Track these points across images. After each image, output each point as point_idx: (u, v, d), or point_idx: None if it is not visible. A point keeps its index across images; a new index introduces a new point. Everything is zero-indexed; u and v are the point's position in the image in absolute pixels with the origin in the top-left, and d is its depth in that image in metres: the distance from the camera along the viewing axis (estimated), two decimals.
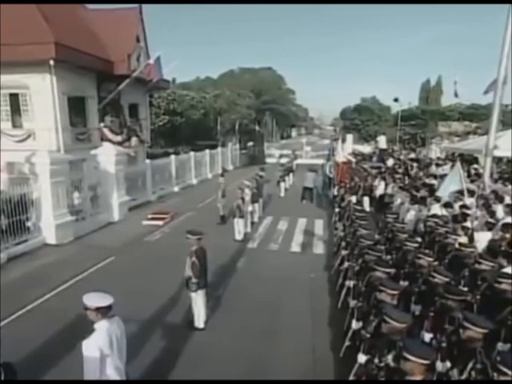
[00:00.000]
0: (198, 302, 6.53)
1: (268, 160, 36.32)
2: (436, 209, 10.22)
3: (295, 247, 11.53)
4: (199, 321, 6.62)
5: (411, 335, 4.55)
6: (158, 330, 6.61)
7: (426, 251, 6.09)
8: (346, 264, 6.88)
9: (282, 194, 19.71)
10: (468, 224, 8.48)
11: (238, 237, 11.95)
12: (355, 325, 4.73)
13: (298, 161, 32.03)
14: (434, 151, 23.92)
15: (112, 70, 19.79)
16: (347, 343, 4.99)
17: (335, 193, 12.50)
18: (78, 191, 13.89)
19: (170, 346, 6.13)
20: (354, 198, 17.02)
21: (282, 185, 19.81)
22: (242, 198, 11.91)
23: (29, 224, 11.46)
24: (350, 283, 6.01)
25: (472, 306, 5.12)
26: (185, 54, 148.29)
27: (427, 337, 4.50)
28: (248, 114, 45.02)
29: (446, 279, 5.00)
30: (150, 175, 18.33)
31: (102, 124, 20.48)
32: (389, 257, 7.03)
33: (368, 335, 4.16)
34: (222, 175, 15.31)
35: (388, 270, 5.17)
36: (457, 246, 6.92)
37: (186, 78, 66.86)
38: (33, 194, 11.42)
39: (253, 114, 45.90)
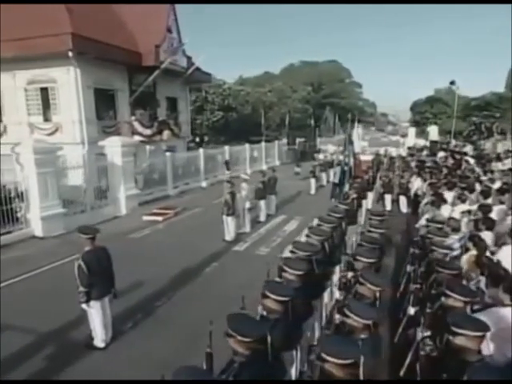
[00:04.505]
0: (94, 316, 5.30)
1: (321, 156, 34.24)
2: (462, 210, 7.88)
3: (289, 252, 9.81)
4: (97, 339, 5.40)
5: None
6: (50, 346, 5.52)
7: (373, 273, 4.20)
8: None
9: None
10: (486, 234, 6.21)
11: (228, 237, 10.56)
12: None
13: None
14: (502, 145, 20.15)
15: (140, 62, 19.46)
16: None
17: (347, 189, 10.54)
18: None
19: (46, 369, 4.99)
20: (389, 197, 14.91)
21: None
22: (231, 193, 10.46)
23: (18, 215, 11.24)
24: None
25: None
26: (255, 50, 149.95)
27: None
28: (301, 108, 42.91)
29: (365, 320, 3.17)
30: (170, 169, 17.61)
31: (133, 117, 20.30)
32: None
33: None
34: (228, 169, 13.98)
35: (281, 299, 3.47)
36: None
37: (251, 74, 66.76)
38: (22, 184, 11.17)
39: (310, 109, 43.80)
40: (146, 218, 13.10)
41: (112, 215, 13.72)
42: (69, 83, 16.95)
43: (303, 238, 5.67)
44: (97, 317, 5.29)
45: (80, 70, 16.85)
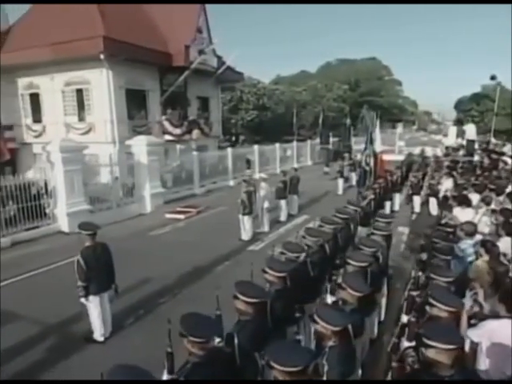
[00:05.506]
0: (92, 310, 5.43)
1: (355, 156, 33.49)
2: (482, 214, 7.39)
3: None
4: (96, 333, 5.52)
5: None
6: (52, 337, 5.72)
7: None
8: None
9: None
10: (506, 240, 5.77)
11: (245, 236, 10.52)
12: None
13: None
14: None
15: (171, 63, 19.83)
16: None
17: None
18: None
19: (44, 360, 5.17)
20: (418, 199, 14.27)
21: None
22: (248, 192, 10.39)
23: (47, 211, 11.77)
24: None
25: None
26: (293, 49, 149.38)
27: None
28: (337, 106, 41.99)
29: (332, 327, 2.99)
30: (197, 168, 17.80)
31: (163, 117, 20.74)
32: None
33: None
34: (249, 167, 13.91)
35: (251, 301, 3.37)
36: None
37: (288, 73, 66.65)
38: (50, 181, 11.70)
39: (346, 107, 42.92)
40: (168, 216, 13.31)
41: (137, 213, 14.06)
42: (101, 84, 17.60)
43: (300, 240, 5.50)
44: (95, 311, 5.41)
45: (112, 72, 17.47)
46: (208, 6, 21.92)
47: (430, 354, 2.67)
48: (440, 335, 2.63)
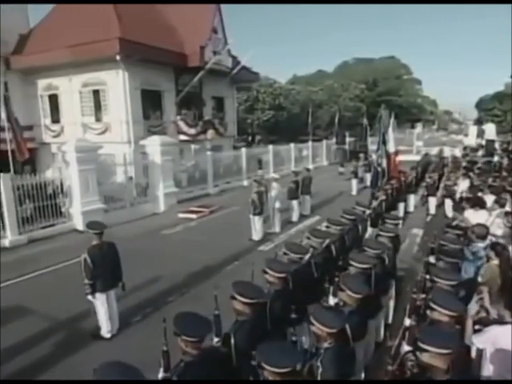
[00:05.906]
0: (99, 308, 5.52)
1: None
2: (496, 216, 7.20)
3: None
4: (103, 329, 5.61)
5: None
6: (61, 332, 5.85)
7: None
8: None
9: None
10: None
11: (255, 236, 10.51)
12: None
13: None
14: None
15: (186, 63, 19.99)
16: None
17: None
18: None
19: (50, 355, 5.28)
20: (433, 200, 13.99)
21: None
22: (258, 192, 10.38)
23: (62, 209, 12.02)
24: None
25: None
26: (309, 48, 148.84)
27: None
28: (353, 106, 41.51)
29: (327, 329, 2.96)
30: (211, 168, 17.87)
31: (178, 117, 20.93)
32: None
33: None
34: (260, 168, 13.89)
35: (248, 301, 3.36)
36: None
37: (305, 73, 66.39)
38: (66, 180, 11.95)
39: (363, 107, 42.49)
40: (180, 215, 13.41)
41: (151, 212, 14.21)
42: (117, 85, 17.87)
43: (305, 241, 5.47)
44: (101, 308, 5.49)
45: (128, 73, 17.72)
46: (223, 6, 22.09)
47: (425, 358, 2.62)
48: (434, 339, 2.58)
